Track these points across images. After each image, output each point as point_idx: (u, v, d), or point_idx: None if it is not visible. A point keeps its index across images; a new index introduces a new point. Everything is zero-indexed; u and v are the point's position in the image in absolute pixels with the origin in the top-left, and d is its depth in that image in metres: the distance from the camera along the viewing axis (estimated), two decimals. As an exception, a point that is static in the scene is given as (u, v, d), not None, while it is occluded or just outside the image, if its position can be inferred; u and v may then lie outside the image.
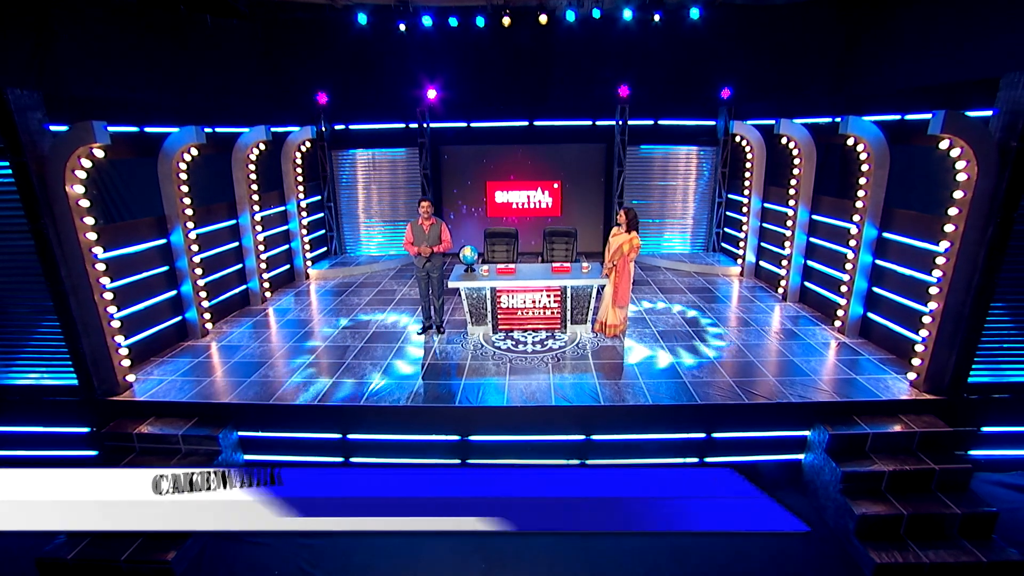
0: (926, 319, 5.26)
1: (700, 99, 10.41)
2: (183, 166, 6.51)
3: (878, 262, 6.49)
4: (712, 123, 10.57)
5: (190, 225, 6.77)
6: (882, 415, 5.21)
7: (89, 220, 5.06)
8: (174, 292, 6.84)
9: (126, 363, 5.56)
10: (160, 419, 5.38)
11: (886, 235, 6.34)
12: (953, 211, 4.84)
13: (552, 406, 5.25)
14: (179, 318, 6.94)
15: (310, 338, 7.10)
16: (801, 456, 5.42)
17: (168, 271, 6.74)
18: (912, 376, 5.44)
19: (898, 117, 6.08)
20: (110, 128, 5.00)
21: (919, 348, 5.35)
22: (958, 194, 4.77)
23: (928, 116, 4.80)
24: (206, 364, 6.37)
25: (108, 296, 5.34)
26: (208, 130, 7.40)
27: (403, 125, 10.75)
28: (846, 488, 4.71)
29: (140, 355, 6.22)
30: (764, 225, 9.21)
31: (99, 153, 5.01)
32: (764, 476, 5.47)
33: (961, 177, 4.70)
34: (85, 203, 4.99)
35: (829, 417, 5.21)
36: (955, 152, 4.70)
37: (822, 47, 9.32)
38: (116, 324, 5.46)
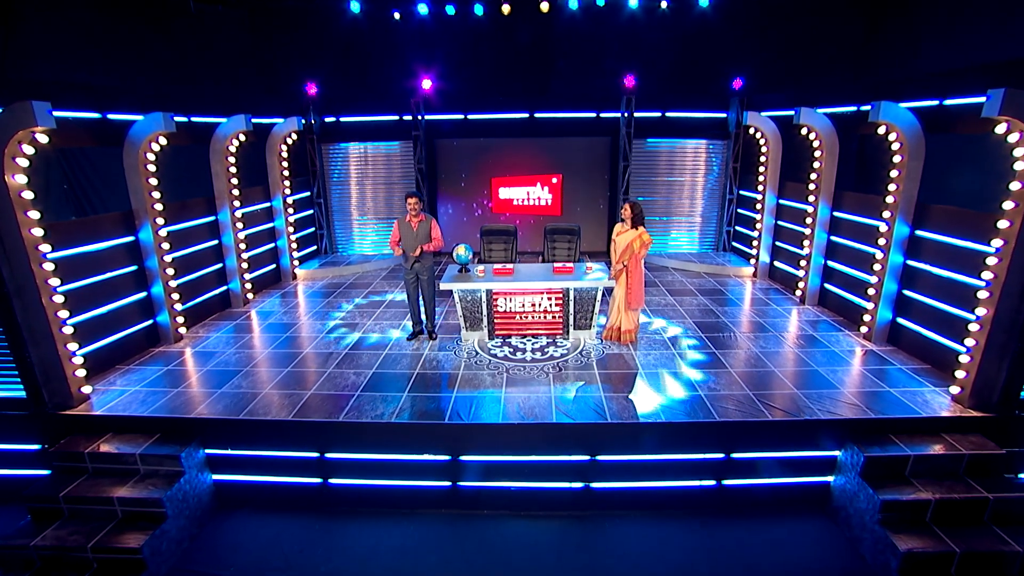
0: (973, 327, 4.70)
1: (710, 90, 9.86)
2: (151, 156, 5.98)
3: (910, 263, 5.94)
4: (723, 115, 10.01)
5: (160, 221, 6.24)
6: (922, 434, 4.66)
7: (34, 214, 4.51)
8: (143, 294, 6.31)
9: (81, 373, 5.02)
10: (118, 436, 4.85)
11: (919, 233, 5.79)
12: (1008, 205, 4.28)
13: (553, 423, 4.70)
14: (149, 322, 6.41)
15: (291, 344, 6.57)
16: (830, 479, 4.86)
17: (137, 271, 6.21)
18: (955, 390, 4.88)
19: (935, 103, 5.52)
20: (67, 114, 4.48)
21: (964, 359, 4.79)
22: (1015, 186, 4.21)
23: (973, 100, 4.26)
24: (177, 372, 5.83)
25: (58, 299, 4.80)
26: (182, 119, 6.92)
27: (396, 117, 10.22)
28: (885, 519, 4.16)
29: (103, 363, 5.70)
30: (779, 223, 8.65)
31: (43, 138, 4.46)
32: (786, 500, 4.94)
33: (1020, 166, 4.14)
34: (29, 195, 4.45)
35: (862, 436, 4.66)
36: (1013, 137, 4.14)
37: (842, 31, 8.75)
38: (69, 330, 4.92)
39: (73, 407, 4.98)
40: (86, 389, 5.09)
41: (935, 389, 5.16)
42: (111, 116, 5.84)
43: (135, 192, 5.99)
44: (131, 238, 6.10)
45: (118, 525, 4.28)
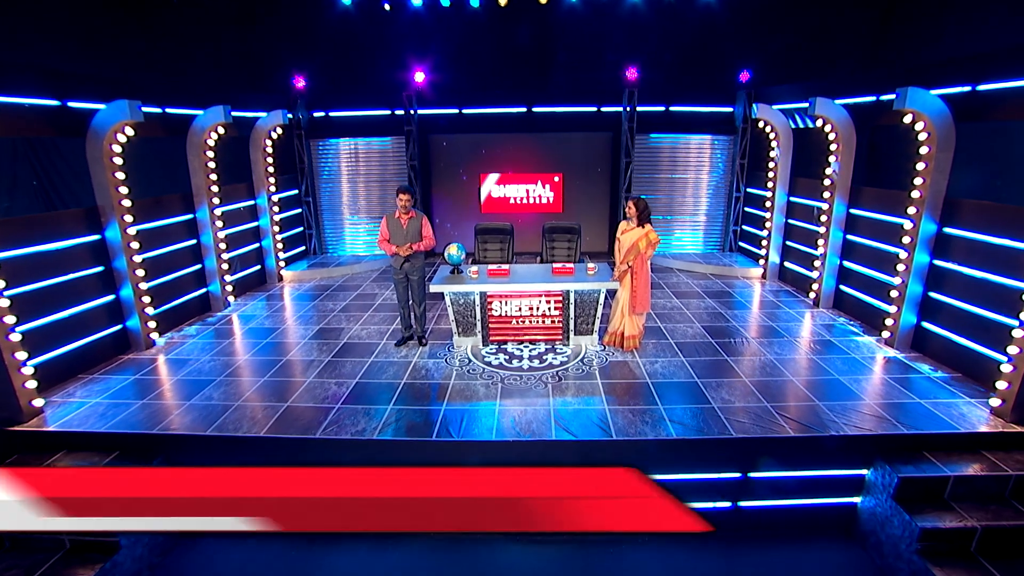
0: (1016, 332, 4.25)
1: (716, 83, 9.44)
2: (117, 148, 5.52)
3: (937, 263, 5.50)
4: (729, 109, 9.59)
5: (129, 218, 5.78)
6: (960, 451, 4.22)
7: (-26, 209, 4.07)
8: (111, 297, 5.86)
9: (31, 385, 4.55)
10: (72, 454, 4.39)
11: (948, 231, 5.36)
12: (1059, 197, 3.85)
13: (552, 441, 4.25)
14: (118, 327, 5.96)
15: (271, 351, 6.11)
16: (857, 500, 4.42)
17: (103, 272, 5.76)
18: (995, 402, 4.43)
19: (967, 88, 5.10)
20: (19, 100, 4.04)
21: (1005, 368, 4.35)
22: (1068, 176, 3.78)
23: (1014, 83, 3.82)
24: (145, 382, 5.38)
25: (3, 303, 4.34)
26: (155, 110, 6.49)
27: (388, 112, 9.78)
28: (925, 548, 3.71)
29: (61, 373, 5.24)
30: (790, 222, 8.22)
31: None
32: (808, 523, 4.50)
33: (1075, 153, 3.71)
34: (-33, 187, 4.00)
35: (893, 453, 4.22)
36: (1067, 121, 3.71)
37: (855, 18, 8.29)
38: (17, 337, 4.46)
39: (23, 422, 4.52)
40: (38, 402, 4.63)
41: (970, 401, 4.72)
42: (72, 104, 5.39)
43: (100, 187, 5.53)
44: (96, 237, 5.64)
45: (64, 557, 3.82)
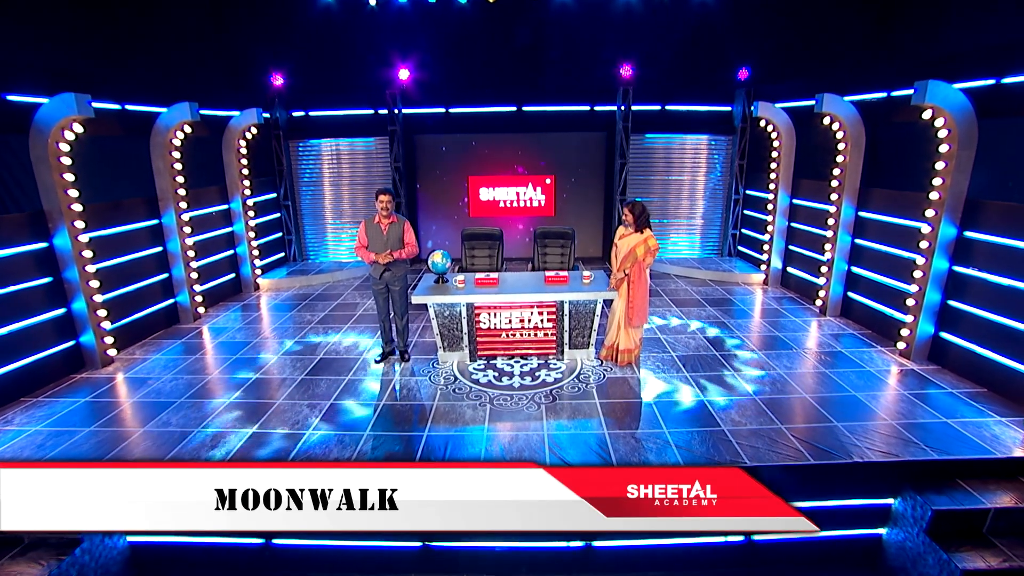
0: (1056, 347, 3.88)
1: (714, 81, 9.08)
2: (65, 147, 5.02)
3: (956, 269, 5.14)
4: (727, 108, 9.24)
5: (80, 224, 5.27)
6: (997, 479, 3.82)
7: None
8: (62, 310, 5.34)
9: (-43, 413, 4.05)
10: None
11: (969, 235, 4.99)
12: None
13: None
14: (70, 344, 5.44)
15: (242, 367, 5.62)
16: (882, 531, 4.02)
17: (52, 284, 5.24)
18: (1032, 423, 4.06)
19: (991, 81, 4.74)
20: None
21: (1043, 386, 3.97)
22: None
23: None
24: (97, 405, 4.87)
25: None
26: (113, 106, 5.99)
27: (372, 111, 9.31)
28: (966, 592, 3.31)
29: (1, 396, 4.72)
30: (793, 225, 7.86)
31: None
32: (828, 557, 4.09)
33: None
34: None
35: (923, 481, 3.82)
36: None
37: (859, 10, 7.92)
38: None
39: (-51, 455, 4.01)
40: (-34, 432, 4.11)
41: (1001, 419, 4.34)
42: (11, 97, 4.88)
43: (46, 189, 5.03)
44: (43, 244, 5.13)
45: (-16, 616, 3.30)
